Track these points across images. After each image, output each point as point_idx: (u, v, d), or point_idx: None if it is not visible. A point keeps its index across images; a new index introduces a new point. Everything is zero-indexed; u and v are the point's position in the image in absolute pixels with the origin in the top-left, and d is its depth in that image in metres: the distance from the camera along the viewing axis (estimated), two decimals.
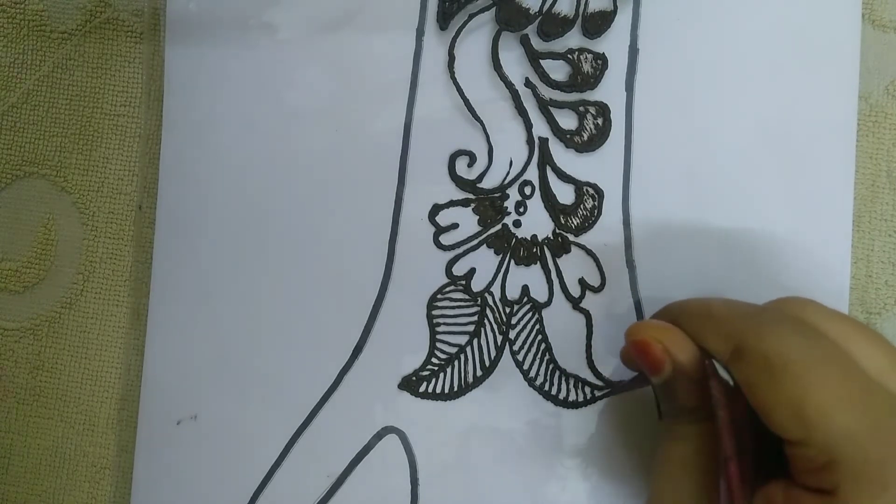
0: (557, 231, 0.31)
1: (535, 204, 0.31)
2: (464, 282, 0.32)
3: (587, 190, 0.31)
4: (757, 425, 0.23)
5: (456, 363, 0.32)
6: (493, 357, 0.31)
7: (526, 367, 0.31)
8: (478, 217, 0.32)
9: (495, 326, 0.32)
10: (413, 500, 0.31)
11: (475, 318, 0.32)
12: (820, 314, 0.23)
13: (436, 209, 0.32)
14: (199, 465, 0.32)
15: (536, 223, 0.31)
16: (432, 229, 0.32)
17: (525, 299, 0.31)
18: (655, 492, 0.25)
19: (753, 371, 0.22)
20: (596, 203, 0.31)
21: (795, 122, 0.31)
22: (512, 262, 0.32)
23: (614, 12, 0.31)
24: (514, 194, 0.32)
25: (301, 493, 0.32)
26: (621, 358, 0.28)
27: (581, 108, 0.31)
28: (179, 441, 0.32)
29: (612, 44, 0.31)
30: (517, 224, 0.32)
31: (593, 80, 0.31)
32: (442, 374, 0.32)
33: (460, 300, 0.32)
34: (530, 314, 0.31)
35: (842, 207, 0.30)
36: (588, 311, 0.31)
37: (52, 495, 0.34)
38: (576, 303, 0.31)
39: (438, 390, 0.31)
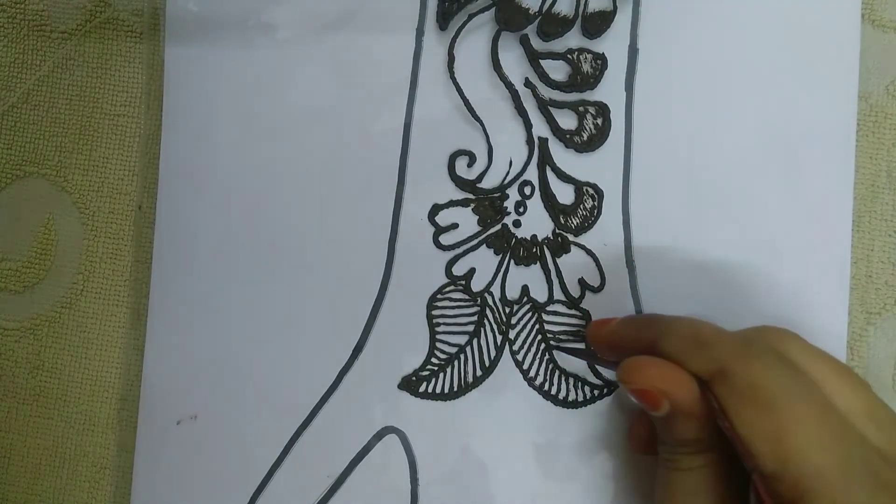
0: (557, 231, 0.31)
1: (535, 204, 0.31)
2: (464, 282, 0.32)
3: (587, 190, 0.31)
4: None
5: (456, 363, 0.32)
6: (492, 357, 0.31)
7: (526, 366, 0.31)
8: (478, 217, 0.32)
9: (495, 326, 0.32)
10: (413, 501, 0.31)
11: (475, 318, 0.32)
12: (801, 350, 0.24)
13: (436, 209, 0.32)
14: (199, 465, 0.32)
15: (536, 223, 0.31)
16: (432, 229, 0.32)
17: (525, 299, 0.31)
18: None
19: (737, 398, 0.22)
20: (596, 203, 0.31)
21: (795, 122, 0.31)
22: (512, 262, 0.32)
23: (614, 12, 0.31)
24: (513, 194, 0.32)
25: (301, 493, 0.32)
26: (587, 333, 0.29)
27: (581, 109, 0.31)
28: (179, 441, 0.32)
29: (612, 44, 0.31)
30: (517, 224, 0.32)
31: (593, 81, 0.31)
32: (442, 374, 0.32)
33: (460, 300, 0.32)
34: (530, 314, 0.31)
35: (842, 208, 0.30)
36: (588, 311, 0.31)
37: (52, 495, 0.34)
38: (576, 303, 0.31)
39: (438, 390, 0.31)
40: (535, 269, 0.31)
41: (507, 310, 0.32)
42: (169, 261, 0.33)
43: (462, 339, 0.32)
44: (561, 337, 0.31)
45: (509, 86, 0.31)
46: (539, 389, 0.31)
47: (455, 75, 0.31)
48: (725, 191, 0.31)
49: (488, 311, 0.32)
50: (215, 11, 0.33)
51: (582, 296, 0.31)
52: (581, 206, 0.31)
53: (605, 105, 0.31)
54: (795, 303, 0.30)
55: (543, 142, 0.31)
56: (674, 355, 0.24)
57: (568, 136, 0.31)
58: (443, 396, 0.31)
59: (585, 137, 0.31)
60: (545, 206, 0.31)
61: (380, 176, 0.32)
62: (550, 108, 0.31)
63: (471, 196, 0.32)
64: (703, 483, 0.24)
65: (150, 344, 0.33)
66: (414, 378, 0.32)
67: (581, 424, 0.31)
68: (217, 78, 0.33)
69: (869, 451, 0.21)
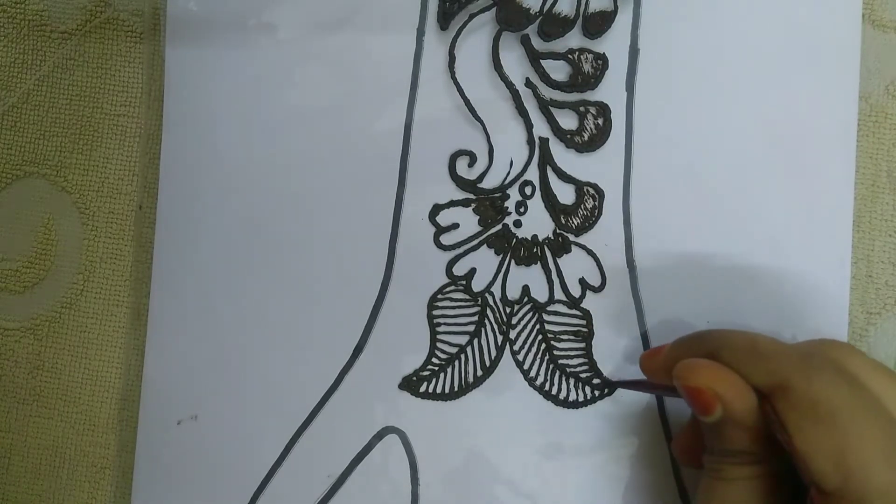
0: (558, 231, 0.31)
1: (536, 204, 0.31)
2: (464, 282, 0.32)
3: (588, 190, 0.31)
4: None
5: (456, 363, 0.32)
6: (493, 357, 0.31)
7: (526, 367, 0.31)
8: (478, 217, 0.32)
9: (496, 326, 0.32)
10: (413, 501, 0.31)
11: (475, 318, 0.32)
12: (861, 364, 0.23)
13: (436, 209, 0.32)
14: (199, 465, 0.32)
15: (537, 223, 0.31)
16: (433, 229, 0.32)
17: (525, 299, 0.31)
18: None
19: (798, 413, 0.21)
20: (596, 203, 0.31)
21: (796, 123, 0.31)
22: (512, 262, 0.32)
23: (615, 12, 0.31)
24: (514, 194, 0.32)
25: (301, 493, 0.32)
26: (641, 365, 0.28)
27: (581, 109, 0.31)
28: (179, 441, 0.32)
29: (613, 44, 0.31)
30: (517, 224, 0.32)
31: (594, 81, 0.31)
32: (442, 374, 0.32)
33: (461, 300, 0.32)
34: (531, 314, 0.31)
35: (842, 207, 0.30)
36: (589, 311, 0.31)
37: (52, 495, 0.34)
38: (576, 303, 0.31)
39: (439, 390, 0.31)
40: (536, 269, 0.31)
41: (508, 310, 0.32)
42: (169, 261, 0.33)
43: (463, 339, 0.32)
44: (563, 336, 0.31)
45: (510, 86, 0.31)
46: (540, 389, 0.31)
47: (456, 75, 0.31)
48: (726, 190, 0.31)
49: (489, 311, 0.32)
50: (215, 11, 0.33)
51: (583, 296, 0.31)
52: (582, 206, 0.31)
53: (606, 105, 0.31)
54: (796, 302, 0.30)
55: (544, 142, 0.31)
56: (732, 367, 0.23)
57: (569, 136, 0.31)
58: (443, 396, 0.31)
59: (586, 137, 0.31)
60: (546, 206, 0.31)
61: (380, 176, 0.32)
62: (551, 108, 0.31)
63: (471, 196, 0.32)
64: (747, 496, 0.23)
65: (151, 344, 0.33)
66: (414, 378, 0.32)
67: (581, 424, 0.31)
68: (217, 78, 0.33)
69: None
